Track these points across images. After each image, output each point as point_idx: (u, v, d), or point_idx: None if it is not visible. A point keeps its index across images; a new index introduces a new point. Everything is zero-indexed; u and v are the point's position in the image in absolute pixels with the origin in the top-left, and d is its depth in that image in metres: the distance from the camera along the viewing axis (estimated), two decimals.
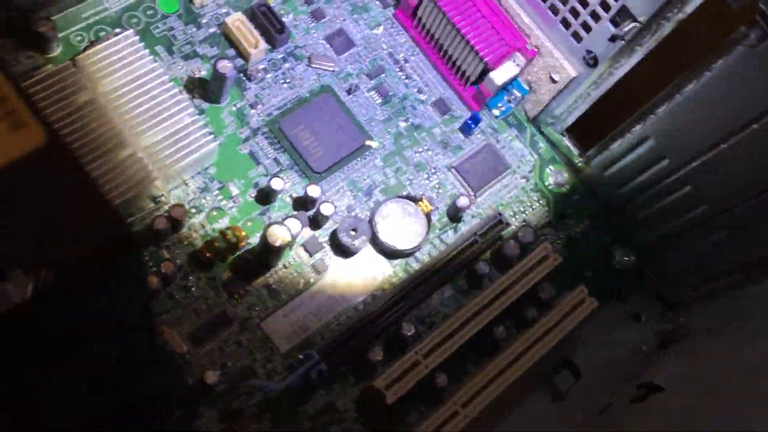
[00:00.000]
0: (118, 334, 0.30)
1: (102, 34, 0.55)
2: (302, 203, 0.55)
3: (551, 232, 0.60)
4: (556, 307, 0.54)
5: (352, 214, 0.56)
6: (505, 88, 0.61)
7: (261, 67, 0.58)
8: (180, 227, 0.52)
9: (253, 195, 0.55)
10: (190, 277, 0.51)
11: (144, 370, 0.39)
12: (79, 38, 0.55)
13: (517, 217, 0.60)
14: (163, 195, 0.52)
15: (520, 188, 0.60)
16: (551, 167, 0.62)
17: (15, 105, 0.23)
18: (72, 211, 0.22)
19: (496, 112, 0.62)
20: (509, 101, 0.62)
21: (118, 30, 0.55)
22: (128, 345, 0.32)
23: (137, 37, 0.53)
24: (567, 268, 0.58)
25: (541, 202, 0.61)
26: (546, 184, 0.61)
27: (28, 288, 0.23)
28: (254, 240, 0.53)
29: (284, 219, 0.52)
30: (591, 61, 0.56)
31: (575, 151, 0.62)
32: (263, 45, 0.57)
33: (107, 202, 0.23)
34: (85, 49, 0.53)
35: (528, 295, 0.55)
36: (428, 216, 0.56)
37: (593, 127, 0.60)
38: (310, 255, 0.54)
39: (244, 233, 0.52)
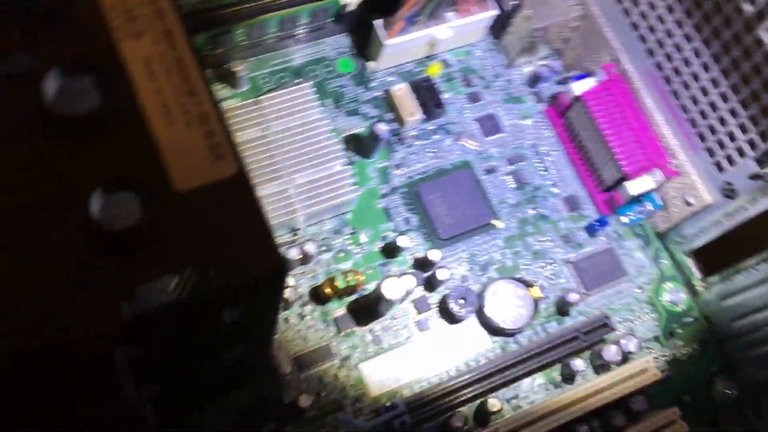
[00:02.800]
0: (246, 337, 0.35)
1: (284, 81, 0.63)
2: (421, 264, 0.59)
3: (656, 348, 0.60)
4: (645, 420, 0.54)
5: (465, 284, 0.59)
6: (638, 199, 0.62)
7: (413, 133, 0.64)
8: (309, 261, 0.57)
9: (379, 246, 0.59)
10: (307, 307, 0.57)
11: (255, 375, 0.44)
12: (265, 81, 0.63)
13: (624, 324, 0.60)
14: (300, 228, 0.58)
15: (633, 297, 0.61)
16: (670, 284, 0.62)
17: (215, 127, 0.28)
18: (239, 239, 0.27)
19: (624, 219, 0.63)
20: (640, 213, 0.63)
21: (298, 80, 0.63)
22: (250, 349, 0.37)
23: (313, 89, 0.60)
24: (665, 386, 0.58)
25: (652, 315, 0.61)
26: (660, 299, 0.62)
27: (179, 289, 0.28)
28: (371, 287, 0.57)
29: (401, 275, 0.56)
30: (729, 193, 0.57)
31: (698, 274, 0.62)
32: (419, 115, 0.63)
33: (270, 233, 0.28)
34: (268, 91, 0.61)
35: (620, 402, 0.56)
36: (536, 302, 0.59)
37: (720, 254, 0.61)
38: (418, 312, 0.58)
39: (363, 278, 0.57)
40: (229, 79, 0.61)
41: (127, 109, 0.28)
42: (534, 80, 0.67)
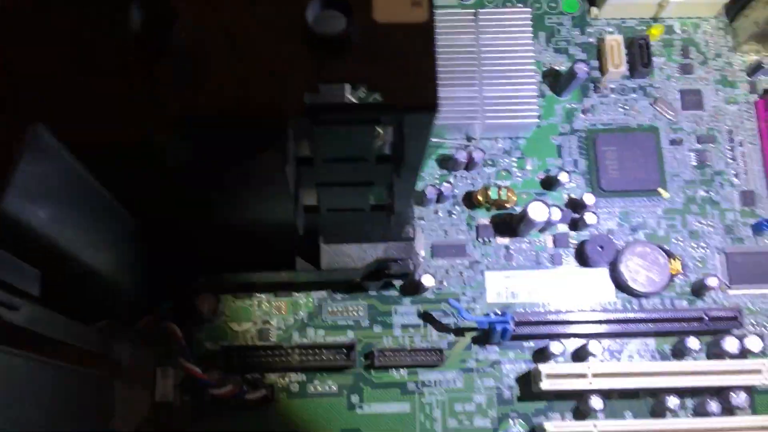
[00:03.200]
0: None
1: (508, 2, 0.67)
2: (574, 205, 0.61)
3: None
4: (738, 417, 0.54)
5: (609, 236, 0.61)
6: None
7: (611, 86, 0.65)
8: (472, 167, 0.62)
9: (540, 177, 0.62)
10: (457, 207, 0.62)
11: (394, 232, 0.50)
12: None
13: (757, 327, 0.59)
14: (475, 138, 0.63)
15: None
16: None
17: None
18: (411, 72, 0.32)
19: None
20: None
21: (520, 5, 0.66)
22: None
23: (530, 17, 0.64)
24: None
25: None
26: None
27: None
28: (519, 209, 0.61)
29: (552, 205, 0.59)
30: None
31: None
32: (623, 69, 0.64)
33: (434, 78, 0.33)
34: (493, 6, 0.65)
35: (721, 392, 0.56)
36: (673, 276, 0.59)
37: None
38: (555, 246, 0.61)
39: (515, 197, 0.61)
40: None
41: None
42: (754, 69, 0.65)
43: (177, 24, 0.31)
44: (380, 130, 0.37)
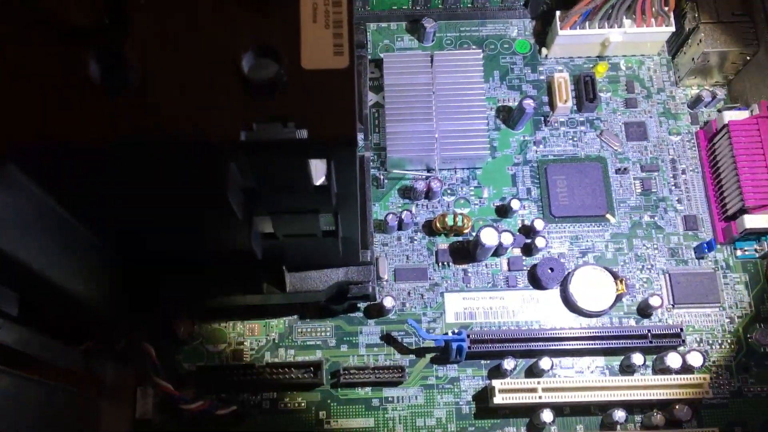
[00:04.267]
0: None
1: (464, 45, 0.72)
2: (526, 230, 0.66)
3: (724, 375, 0.62)
4: (684, 428, 0.58)
5: (560, 259, 0.65)
6: (759, 236, 0.63)
7: (560, 119, 0.70)
8: (431, 197, 0.67)
9: (496, 204, 0.67)
10: (418, 234, 0.66)
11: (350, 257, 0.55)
12: (447, 42, 0.73)
13: (700, 345, 0.63)
14: (434, 169, 0.67)
15: (719, 325, 0.63)
16: (764, 326, 0.63)
17: (343, 32, 0.38)
18: (333, 110, 0.37)
19: (738, 252, 0.65)
20: (755, 251, 0.64)
21: (474, 47, 0.72)
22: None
23: (482, 58, 0.69)
24: (720, 412, 0.60)
25: (732, 346, 0.62)
26: (747, 336, 0.63)
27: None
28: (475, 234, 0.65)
29: (504, 230, 0.63)
30: None
31: None
32: (570, 104, 0.69)
33: (354, 116, 0.38)
34: (446, 50, 0.71)
35: (665, 405, 0.59)
36: (619, 296, 0.63)
37: None
38: (509, 270, 0.65)
39: (470, 223, 0.65)
40: (420, 32, 0.72)
41: (290, 1, 0.39)
42: (695, 102, 0.70)
43: (130, 68, 0.37)
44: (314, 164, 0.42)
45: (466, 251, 0.65)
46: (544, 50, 0.72)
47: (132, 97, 0.37)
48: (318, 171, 0.43)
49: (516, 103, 0.70)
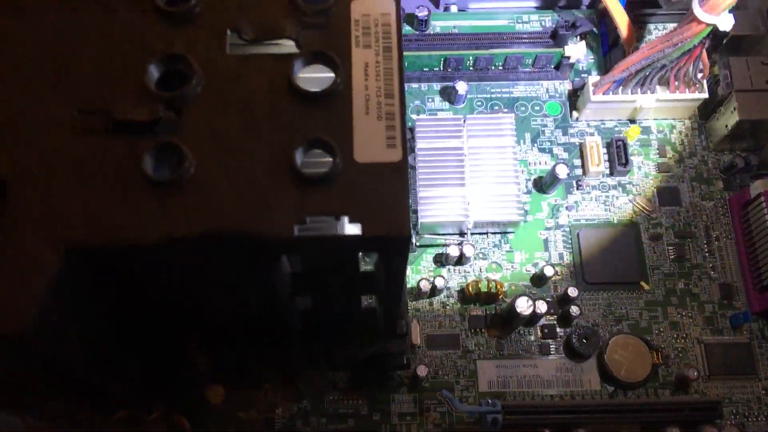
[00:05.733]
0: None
1: (495, 107, 0.72)
2: (561, 298, 0.65)
3: None
4: None
5: (595, 327, 0.64)
6: None
7: (592, 183, 0.70)
8: (465, 262, 0.66)
9: (528, 270, 0.67)
10: (450, 299, 0.66)
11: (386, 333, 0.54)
12: (479, 103, 0.73)
13: (736, 418, 0.62)
14: (467, 232, 0.67)
15: (756, 397, 0.62)
16: None
17: (396, 125, 0.38)
18: (386, 205, 0.37)
19: None
20: None
21: (507, 110, 0.72)
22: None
23: (513, 122, 0.69)
24: None
25: None
26: None
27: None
28: (508, 300, 0.65)
29: (537, 299, 0.63)
30: None
31: None
32: (603, 168, 0.69)
33: (407, 211, 0.37)
34: (478, 113, 0.71)
35: None
36: (655, 367, 0.62)
37: None
38: (543, 337, 0.64)
39: (504, 290, 0.65)
40: (451, 94, 0.72)
41: (343, 94, 0.39)
42: (728, 168, 0.69)
43: (186, 164, 0.37)
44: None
45: (499, 317, 0.65)
46: (575, 113, 0.72)
47: (186, 193, 0.37)
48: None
49: (548, 166, 0.70)
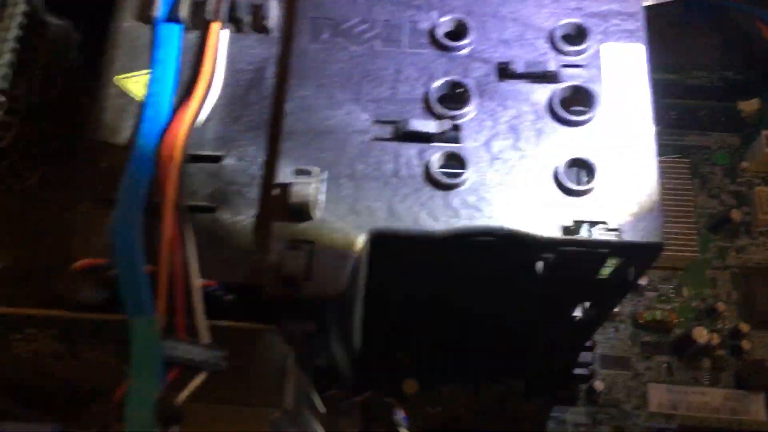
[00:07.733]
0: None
1: (666, 153, 0.78)
2: (732, 331, 0.69)
3: None
4: None
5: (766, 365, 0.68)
6: None
7: (762, 230, 0.74)
8: (637, 291, 0.72)
9: (695, 304, 0.71)
10: (623, 324, 0.71)
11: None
12: None
13: None
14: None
15: None
16: None
17: None
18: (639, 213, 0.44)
19: None
20: None
21: (677, 155, 0.78)
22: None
23: (688, 167, 0.74)
24: None
25: None
26: None
27: None
28: (678, 331, 0.69)
29: (711, 330, 0.67)
30: None
31: None
32: None
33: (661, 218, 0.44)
34: None
35: None
36: None
37: None
38: (713, 368, 0.69)
39: (677, 321, 0.70)
40: None
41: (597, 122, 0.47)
42: None
43: (466, 170, 0.44)
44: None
45: (672, 344, 0.70)
46: (744, 164, 0.77)
47: (465, 194, 0.44)
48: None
49: (716, 211, 0.75)
